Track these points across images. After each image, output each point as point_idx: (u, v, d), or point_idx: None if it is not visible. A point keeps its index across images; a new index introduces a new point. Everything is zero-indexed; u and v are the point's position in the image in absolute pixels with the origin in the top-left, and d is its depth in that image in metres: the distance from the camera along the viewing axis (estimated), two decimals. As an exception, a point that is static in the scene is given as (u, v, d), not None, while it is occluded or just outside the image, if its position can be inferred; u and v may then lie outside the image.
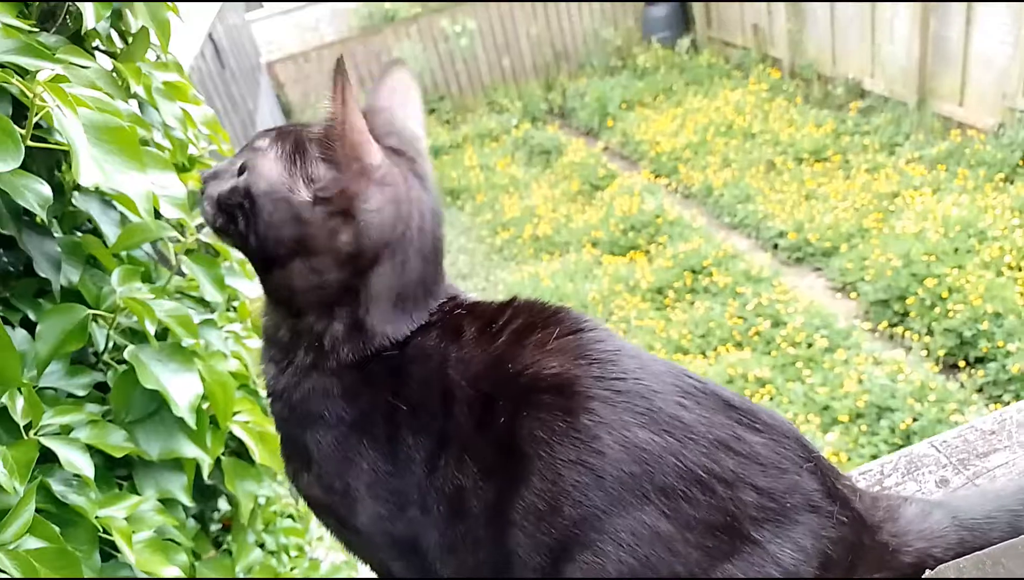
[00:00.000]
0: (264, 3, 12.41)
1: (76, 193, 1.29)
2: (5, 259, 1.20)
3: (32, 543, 0.86)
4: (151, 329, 1.07)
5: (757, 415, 0.77)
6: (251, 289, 1.42)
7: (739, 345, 5.66)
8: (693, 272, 6.52)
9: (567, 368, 0.76)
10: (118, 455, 1.00)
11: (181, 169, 1.56)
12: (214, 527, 1.58)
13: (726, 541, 0.70)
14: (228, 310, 1.61)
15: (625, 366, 0.76)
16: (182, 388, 1.06)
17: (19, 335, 1.09)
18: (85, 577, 0.91)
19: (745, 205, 7.21)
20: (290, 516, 1.82)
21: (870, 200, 6.55)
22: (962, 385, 4.74)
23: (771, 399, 4.92)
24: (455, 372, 0.80)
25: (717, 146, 8.26)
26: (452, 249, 8.27)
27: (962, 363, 4.89)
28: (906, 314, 5.38)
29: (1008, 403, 4.46)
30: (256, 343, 1.47)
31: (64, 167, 1.18)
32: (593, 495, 0.71)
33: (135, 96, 1.16)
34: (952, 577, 0.72)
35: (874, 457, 4.32)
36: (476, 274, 7.77)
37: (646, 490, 0.70)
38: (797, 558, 0.71)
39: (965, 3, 6.66)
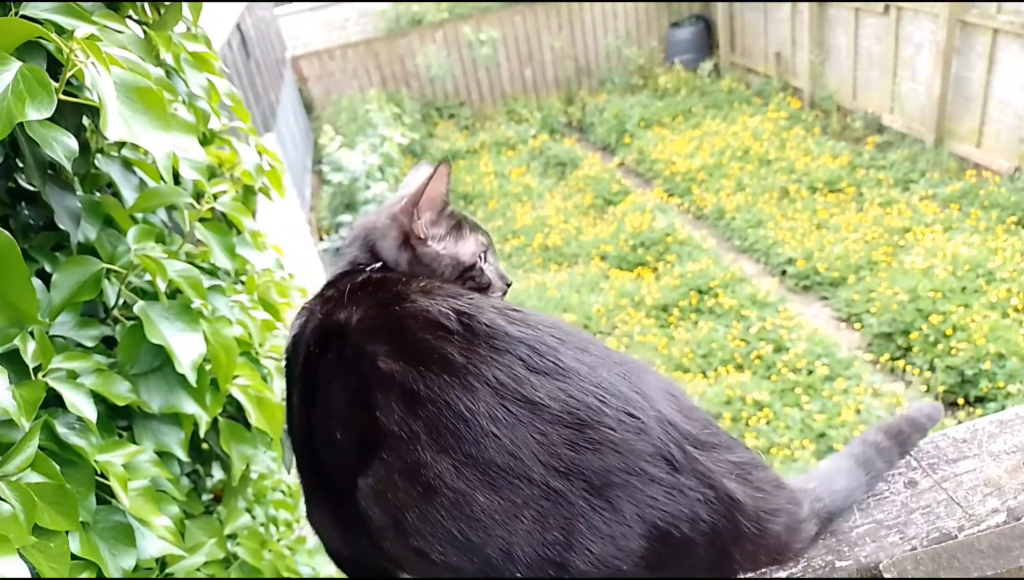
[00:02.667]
0: (293, 0, 12.54)
1: (99, 156, 1.34)
2: (27, 213, 1.25)
3: (33, 478, 0.90)
4: (162, 286, 1.11)
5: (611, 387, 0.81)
6: (259, 260, 1.46)
7: (740, 367, 5.67)
8: (699, 292, 6.54)
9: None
10: (121, 404, 1.04)
11: (203, 142, 1.61)
12: (206, 497, 1.61)
13: (523, 487, 0.76)
14: (236, 283, 1.65)
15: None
16: (186, 346, 1.10)
17: (35, 285, 1.13)
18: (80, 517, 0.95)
19: (756, 230, 7.24)
20: (281, 491, 1.85)
21: (881, 234, 6.56)
22: (959, 422, 4.74)
23: (768, 423, 4.94)
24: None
25: (732, 170, 8.30)
26: (462, 253, 8.31)
27: (961, 401, 4.89)
28: (909, 349, 5.38)
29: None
30: (263, 314, 1.51)
31: (89, 127, 1.23)
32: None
33: (164, 64, 1.21)
34: (910, 568, 0.75)
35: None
36: (483, 280, 7.80)
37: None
38: (609, 518, 0.75)
39: (988, 46, 6.69)
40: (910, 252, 6.22)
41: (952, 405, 4.96)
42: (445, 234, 1.05)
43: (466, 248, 1.06)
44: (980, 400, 4.87)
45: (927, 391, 5.05)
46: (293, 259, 5.38)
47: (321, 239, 7.97)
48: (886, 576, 0.75)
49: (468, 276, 1.05)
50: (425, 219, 1.02)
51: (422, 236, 1.03)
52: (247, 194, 1.71)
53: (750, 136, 8.86)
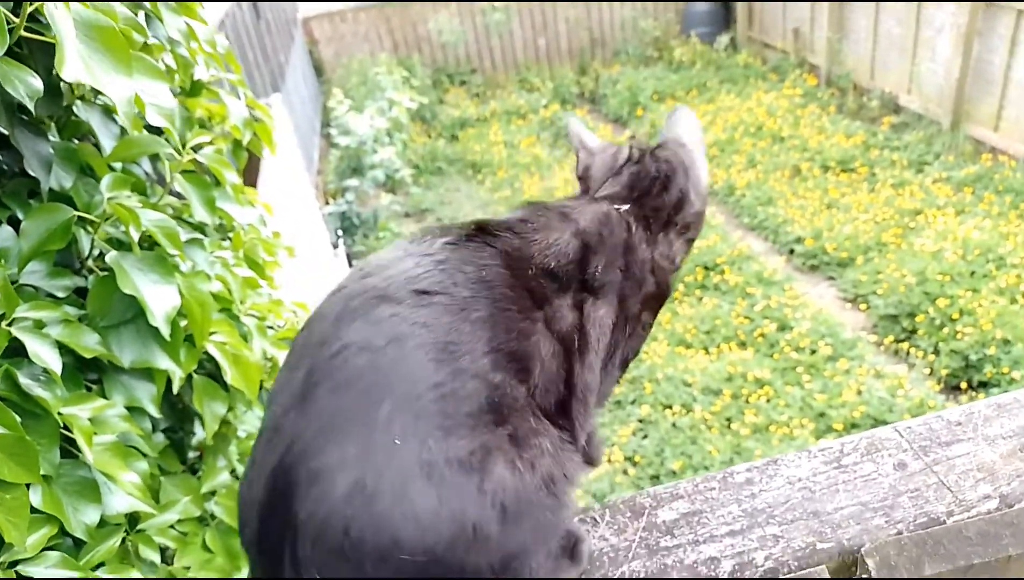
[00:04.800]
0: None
1: (79, 102, 1.29)
2: (1, 158, 1.21)
3: (-8, 428, 0.87)
4: (135, 236, 1.07)
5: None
6: (242, 215, 1.42)
7: (743, 345, 5.62)
8: (706, 268, 6.48)
9: None
10: (88, 356, 1.01)
11: (190, 93, 1.56)
12: (192, 454, 1.59)
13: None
14: (224, 239, 1.62)
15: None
16: (159, 298, 1.06)
17: (5, 232, 1.10)
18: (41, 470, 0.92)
19: (766, 208, 7.14)
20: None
21: (892, 215, 6.46)
22: (962, 408, 4.70)
23: (768, 401, 4.90)
24: None
25: (744, 146, 8.17)
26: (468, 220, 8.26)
27: (964, 385, 4.84)
28: (914, 331, 5.32)
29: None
30: (246, 272, 1.47)
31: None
32: None
33: (138, 6, 1.16)
34: (893, 553, 0.72)
35: (864, 469, 4.30)
36: (489, 249, 7.75)
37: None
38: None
39: (1011, 28, 6.53)
40: (920, 234, 6.13)
41: (955, 389, 4.91)
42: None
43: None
44: (983, 385, 4.82)
45: (930, 374, 5.01)
46: (296, 221, 5.33)
47: (327, 203, 7.92)
48: (867, 561, 0.71)
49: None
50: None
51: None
52: (236, 149, 1.67)
53: (764, 112, 8.72)
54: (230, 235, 1.61)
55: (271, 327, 1.44)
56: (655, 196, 1.03)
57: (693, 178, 1.07)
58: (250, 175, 4.48)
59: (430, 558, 0.66)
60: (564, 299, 0.86)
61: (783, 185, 7.38)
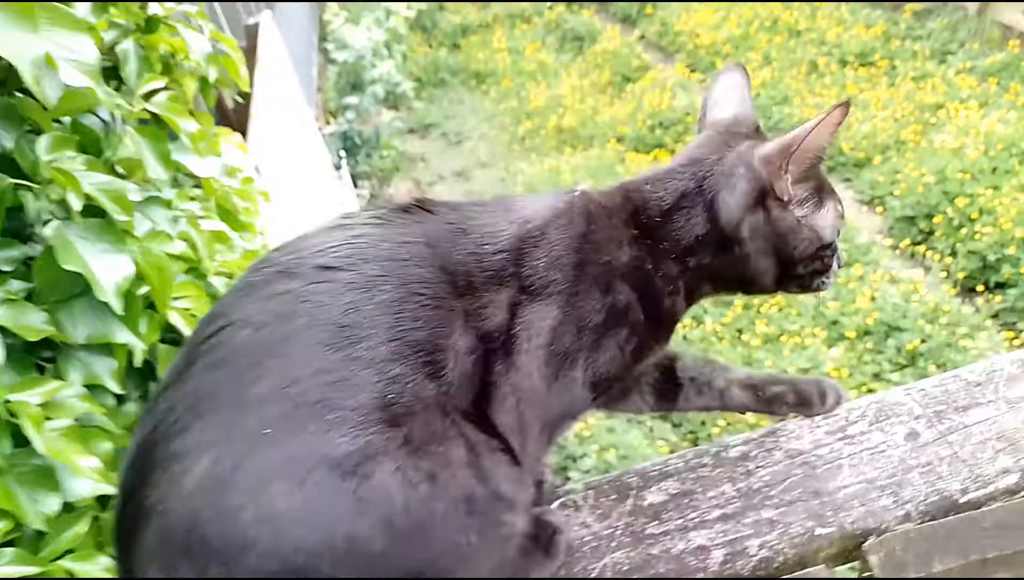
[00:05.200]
0: None
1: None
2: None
3: (-69, 424, 0.81)
4: (76, 204, 0.98)
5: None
6: (200, 167, 1.32)
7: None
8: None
9: None
10: (33, 338, 0.94)
11: (146, 30, 1.43)
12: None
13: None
14: (196, 186, 1.52)
15: None
16: (109, 269, 0.99)
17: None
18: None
19: (781, 107, 6.86)
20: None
21: (912, 111, 6.19)
22: (977, 309, 4.61)
23: (780, 310, 4.83)
24: None
25: (760, 42, 7.80)
26: (473, 136, 8.05)
27: (981, 287, 4.73)
28: (931, 233, 5.17)
29: (1022, 332, 4.33)
30: (216, 225, 1.39)
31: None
32: None
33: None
34: (898, 548, 0.65)
35: (876, 375, 4.26)
36: (495, 164, 7.58)
37: None
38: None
39: None
40: (941, 130, 5.88)
41: (970, 291, 4.80)
42: (806, 198, 0.84)
43: (826, 219, 0.85)
44: (1000, 286, 4.70)
45: (946, 277, 4.89)
46: (293, 146, 5.19)
47: (328, 123, 7.71)
48: (871, 558, 0.64)
49: (818, 256, 0.85)
50: (792, 175, 0.81)
51: (786, 197, 0.82)
52: (204, 87, 1.55)
53: (780, 5, 8.28)
54: (199, 185, 1.52)
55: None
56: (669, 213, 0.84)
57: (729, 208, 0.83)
58: (240, 106, 4.33)
59: (284, 568, 0.59)
60: (495, 294, 0.76)
61: (799, 83, 7.07)
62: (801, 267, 0.84)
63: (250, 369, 0.64)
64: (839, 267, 0.87)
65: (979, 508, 0.72)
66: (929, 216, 5.19)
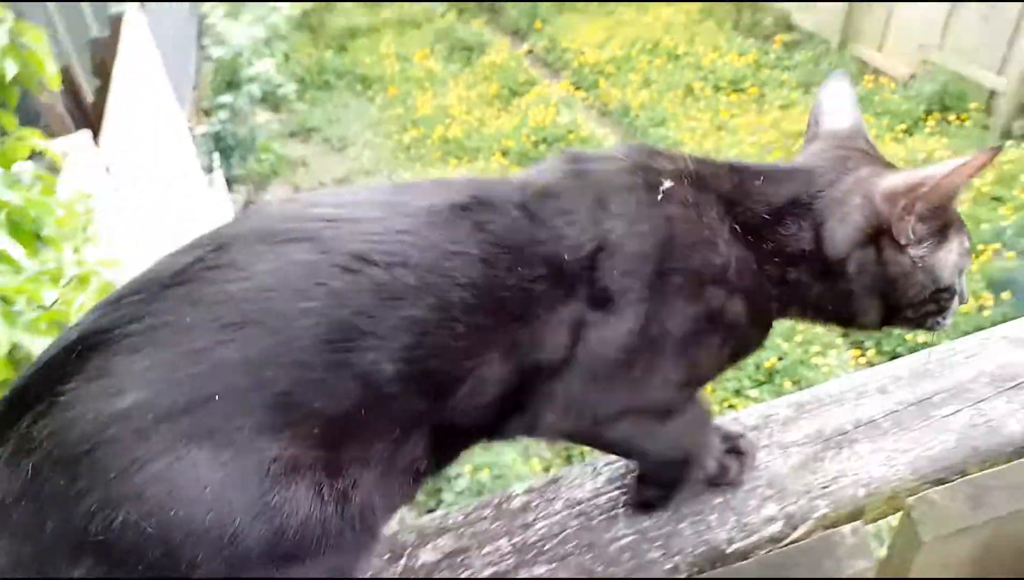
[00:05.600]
0: None
1: None
2: None
3: None
4: None
5: None
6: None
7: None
8: (598, 192, 6.43)
9: None
10: None
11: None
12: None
13: None
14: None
15: None
16: None
17: None
18: None
19: (658, 129, 7.10)
20: None
21: (777, 137, 6.54)
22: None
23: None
24: None
25: (641, 64, 8.05)
26: (357, 142, 7.90)
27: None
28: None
29: (868, 350, 4.63)
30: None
31: None
32: None
33: None
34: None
35: (737, 391, 4.45)
36: (379, 172, 7.45)
37: None
38: None
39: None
40: (804, 158, 6.24)
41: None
42: (927, 236, 0.75)
43: (947, 259, 0.76)
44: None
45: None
46: (157, 147, 4.91)
47: (200, 122, 7.37)
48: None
49: (933, 299, 0.77)
50: (917, 216, 0.73)
51: (903, 241, 0.74)
52: (1, 86, 1.41)
53: (662, 28, 8.58)
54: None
55: (41, 307, 1.24)
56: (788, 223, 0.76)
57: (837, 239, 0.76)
58: (97, 102, 4.05)
59: (157, 533, 0.54)
60: (557, 313, 0.68)
61: (676, 106, 7.33)
62: (911, 311, 0.77)
63: (229, 324, 0.58)
64: (962, 304, 0.80)
65: (745, 559, 0.73)
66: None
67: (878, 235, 0.73)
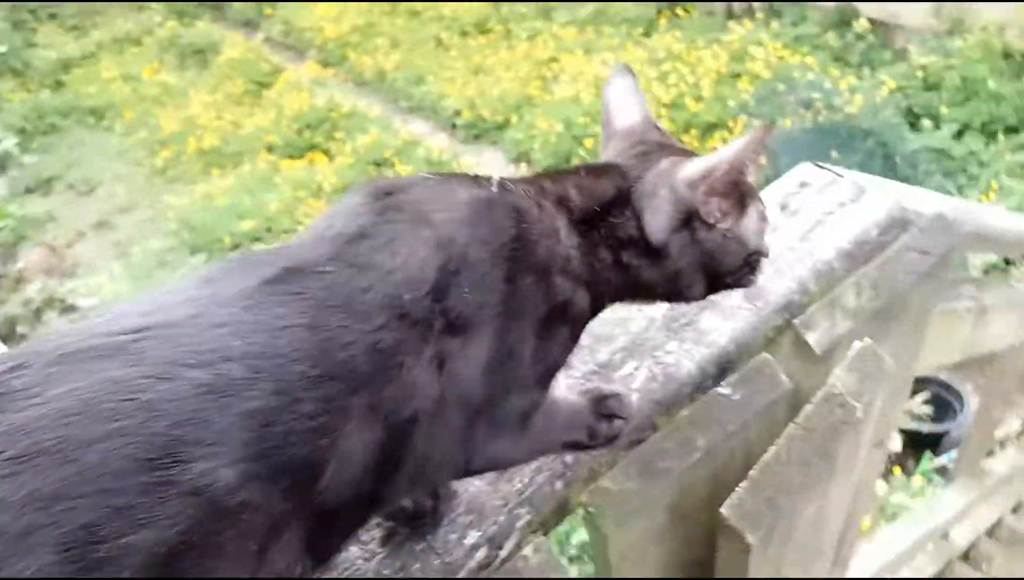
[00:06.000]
0: None
1: None
2: None
3: None
4: None
5: None
6: None
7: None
8: (376, 165, 6.25)
9: None
10: None
11: None
12: None
13: None
14: None
15: None
16: None
17: None
18: None
19: (419, 87, 6.99)
20: None
21: (532, 67, 6.63)
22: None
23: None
24: None
25: (384, 27, 7.84)
26: (106, 180, 7.17)
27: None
28: (574, 178, 5.61)
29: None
30: None
31: None
32: None
33: None
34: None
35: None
36: (139, 205, 6.82)
37: None
38: None
39: None
40: (559, 82, 6.37)
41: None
42: (729, 210, 0.79)
43: (750, 226, 0.81)
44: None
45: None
46: None
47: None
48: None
49: (747, 262, 0.82)
50: (716, 195, 0.77)
51: (712, 220, 0.78)
52: None
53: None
54: None
55: None
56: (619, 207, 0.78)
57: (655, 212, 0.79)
58: None
59: None
60: (416, 357, 0.62)
61: (430, 60, 7.23)
62: (730, 278, 0.83)
63: (15, 457, 0.49)
64: (766, 257, 0.85)
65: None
66: (567, 160, 5.62)
67: (689, 219, 0.79)
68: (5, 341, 5.11)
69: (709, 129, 5.41)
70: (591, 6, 7.02)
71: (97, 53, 8.83)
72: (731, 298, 0.92)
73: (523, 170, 6.00)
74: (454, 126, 6.65)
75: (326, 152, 6.67)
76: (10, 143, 7.34)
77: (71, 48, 8.90)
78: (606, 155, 0.86)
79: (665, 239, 0.79)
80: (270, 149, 6.87)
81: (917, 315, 1.06)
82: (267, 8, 8.83)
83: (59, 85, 8.53)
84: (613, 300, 0.82)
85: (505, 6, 7.58)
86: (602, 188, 0.79)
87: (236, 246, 5.73)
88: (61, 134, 7.84)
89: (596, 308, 0.79)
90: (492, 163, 6.20)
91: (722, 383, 0.85)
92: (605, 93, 0.92)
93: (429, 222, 0.67)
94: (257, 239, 5.76)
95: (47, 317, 5.53)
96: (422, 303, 0.64)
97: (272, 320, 0.60)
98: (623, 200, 0.79)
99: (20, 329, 5.63)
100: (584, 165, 0.84)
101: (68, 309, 5.52)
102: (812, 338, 0.91)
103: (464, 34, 7.44)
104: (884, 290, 0.97)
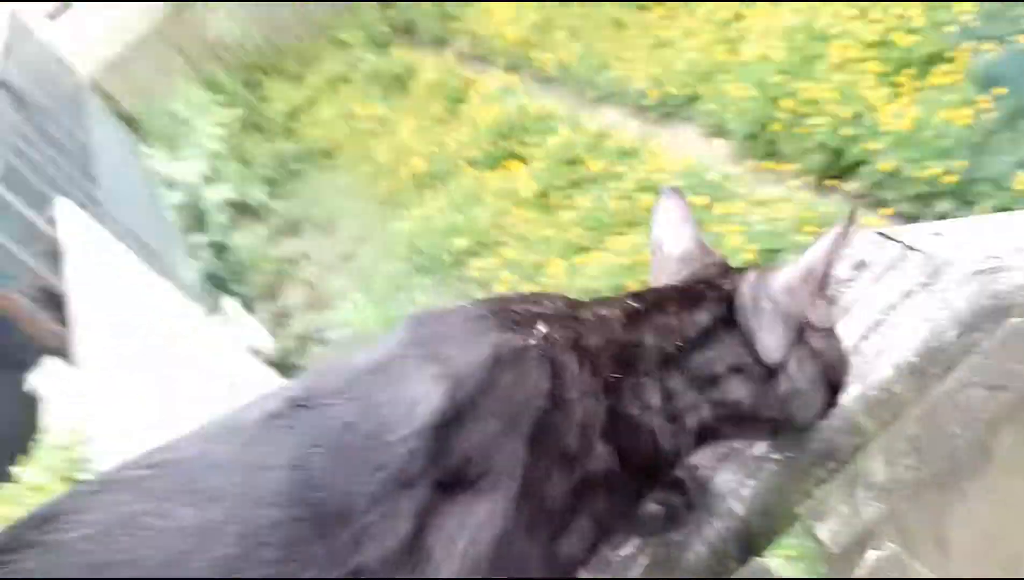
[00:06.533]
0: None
1: None
2: None
3: None
4: None
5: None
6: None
7: (630, 225, 5.57)
8: (569, 164, 6.36)
9: None
10: None
11: None
12: None
13: None
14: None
15: None
16: None
17: None
18: None
19: (602, 74, 6.97)
20: None
21: (715, 30, 6.34)
22: (842, 201, 4.74)
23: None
24: None
25: (561, 19, 7.89)
26: (342, 213, 7.97)
27: (834, 180, 4.87)
28: (774, 142, 5.31)
29: (889, 208, 4.45)
30: None
31: None
32: None
33: None
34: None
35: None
36: (373, 233, 7.50)
37: None
38: None
39: None
40: (746, 41, 6.03)
41: (828, 185, 4.93)
42: (831, 313, 0.76)
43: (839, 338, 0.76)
44: (852, 169, 4.82)
45: (803, 181, 5.01)
46: (133, 321, 4.95)
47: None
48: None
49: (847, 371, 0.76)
50: (822, 298, 0.74)
51: (825, 325, 0.74)
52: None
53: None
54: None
55: None
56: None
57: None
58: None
59: None
60: (391, 505, 0.57)
61: (610, 43, 7.17)
62: (842, 390, 0.76)
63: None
64: None
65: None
66: (764, 127, 5.33)
67: (802, 330, 0.72)
68: (281, 372, 5.94)
69: (927, 65, 4.83)
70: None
71: (316, 97, 9.83)
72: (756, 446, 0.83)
73: (718, 146, 5.77)
74: (643, 108, 6.55)
75: (521, 158, 6.89)
76: (260, 193, 8.44)
77: (296, 97, 9.98)
78: (673, 280, 0.79)
79: (784, 356, 0.72)
80: (472, 163, 7.24)
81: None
82: (452, 23, 9.24)
83: (290, 132, 9.64)
84: (698, 446, 0.74)
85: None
86: (692, 321, 0.72)
87: (456, 264, 6.14)
88: (302, 178, 8.87)
89: (667, 456, 0.71)
90: (687, 141, 6.04)
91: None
92: (654, 217, 0.86)
93: (442, 360, 0.62)
94: (474, 253, 6.12)
95: (311, 349, 6.35)
96: (405, 445, 0.58)
97: (259, 458, 0.58)
98: (724, 324, 0.72)
99: (293, 359, 6.52)
100: (668, 294, 0.76)
101: (322, 342, 6.28)
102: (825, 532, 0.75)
103: (641, 8, 7.28)
104: (934, 452, 0.73)
